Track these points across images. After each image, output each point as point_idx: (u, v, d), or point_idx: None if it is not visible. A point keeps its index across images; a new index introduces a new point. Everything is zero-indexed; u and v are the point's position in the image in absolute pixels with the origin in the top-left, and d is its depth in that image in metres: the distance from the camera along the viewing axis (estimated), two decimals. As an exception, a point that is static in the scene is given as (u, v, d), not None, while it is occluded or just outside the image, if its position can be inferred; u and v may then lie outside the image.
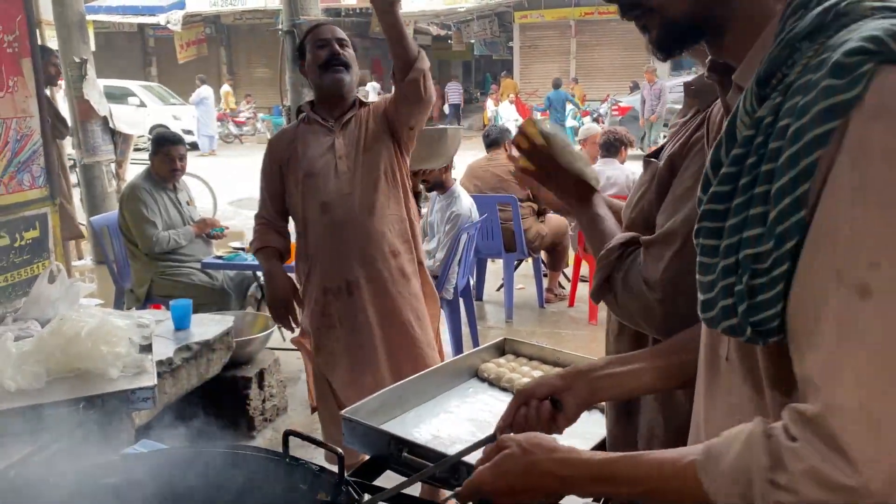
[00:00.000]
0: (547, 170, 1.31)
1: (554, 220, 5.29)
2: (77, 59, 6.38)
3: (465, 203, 4.26)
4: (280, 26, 6.75)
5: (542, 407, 1.13)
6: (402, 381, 1.79)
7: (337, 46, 2.39)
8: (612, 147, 5.11)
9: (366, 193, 2.35)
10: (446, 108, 20.88)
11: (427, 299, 2.50)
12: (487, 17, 21.30)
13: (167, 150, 4.04)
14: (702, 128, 1.15)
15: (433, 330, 2.53)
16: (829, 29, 0.67)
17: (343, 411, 1.59)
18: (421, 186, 4.63)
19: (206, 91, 16.35)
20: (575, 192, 1.32)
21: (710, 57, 0.89)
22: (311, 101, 2.51)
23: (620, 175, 5.04)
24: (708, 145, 1.06)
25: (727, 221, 0.71)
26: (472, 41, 23.22)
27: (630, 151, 5.30)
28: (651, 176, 1.22)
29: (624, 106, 14.00)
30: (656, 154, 1.27)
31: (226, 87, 20.23)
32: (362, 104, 2.47)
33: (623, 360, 1.17)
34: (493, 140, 5.34)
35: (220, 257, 4.00)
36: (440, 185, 4.32)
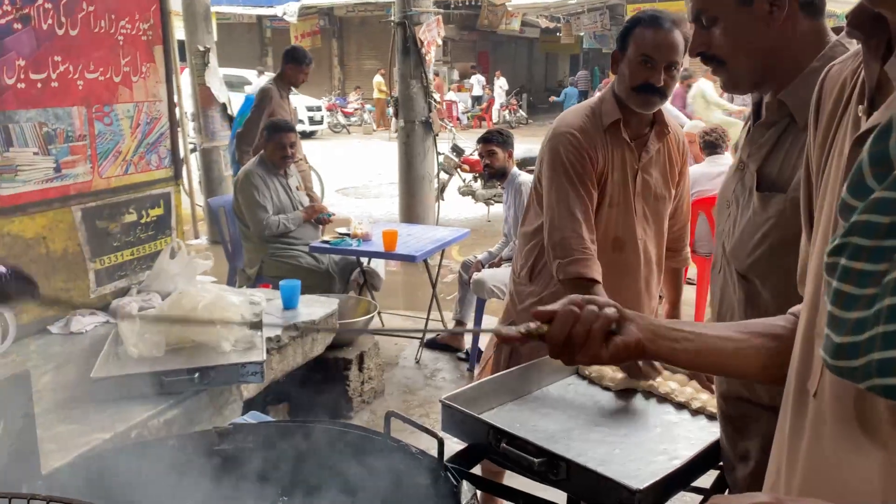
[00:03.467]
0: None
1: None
2: (201, 48, 6.73)
3: (528, 177, 4.20)
4: (392, 18, 6.89)
5: (601, 314, 0.90)
6: (501, 373, 1.79)
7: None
8: (715, 145, 4.92)
9: None
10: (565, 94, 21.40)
11: None
12: (598, 9, 20.84)
13: (279, 137, 4.19)
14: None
15: None
16: None
17: (442, 397, 1.60)
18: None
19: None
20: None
21: (853, 7, 0.69)
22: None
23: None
24: (816, 112, 0.83)
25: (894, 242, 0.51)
26: (582, 34, 22.81)
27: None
28: (778, 211, 1.20)
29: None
30: (768, 185, 1.24)
31: (378, 78, 20.45)
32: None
33: (693, 322, 1.02)
34: None
35: (326, 242, 4.12)
36: (503, 172, 4.32)
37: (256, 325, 2.59)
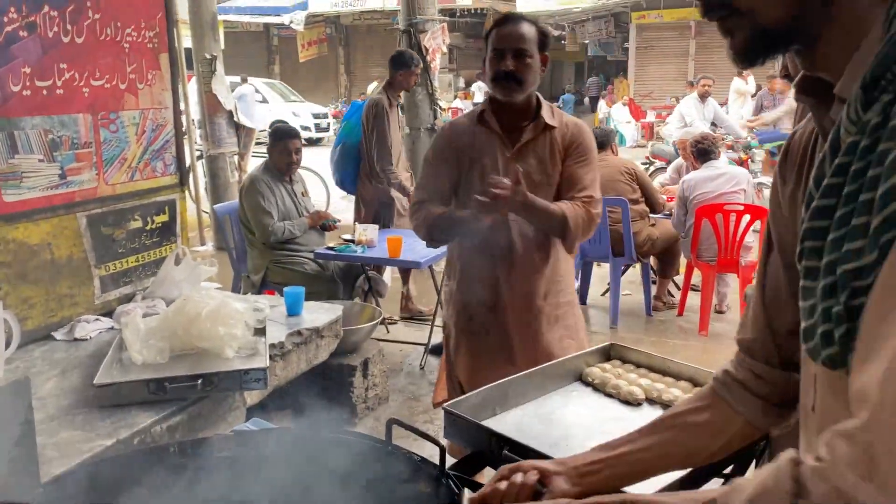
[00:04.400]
0: None
1: (666, 224, 5.11)
2: (208, 56, 6.77)
3: None
4: (397, 25, 6.91)
5: (526, 481, 1.01)
6: (504, 379, 1.78)
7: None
8: (708, 151, 4.91)
9: None
10: (586, 101, 22.67)
11: None
12: (603, 17, 20.89)
13: (284, 143, 4.21)
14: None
15: None
16: None
17: (445, 404, 1.59)
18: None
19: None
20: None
21: (797, 77, 0.81)
22: None
23: (731, 170, 4.89)
24: (782, 174, 0.96)
25: (829, 237, 0.64)
26: (587, 42, 22.85)
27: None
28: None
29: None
30: None
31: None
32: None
33: (610, 446, 1.09)
34: (600, 142, 5.20)
35: (331, 248, 4.12)
36: None
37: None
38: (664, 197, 5.19)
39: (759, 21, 0.74)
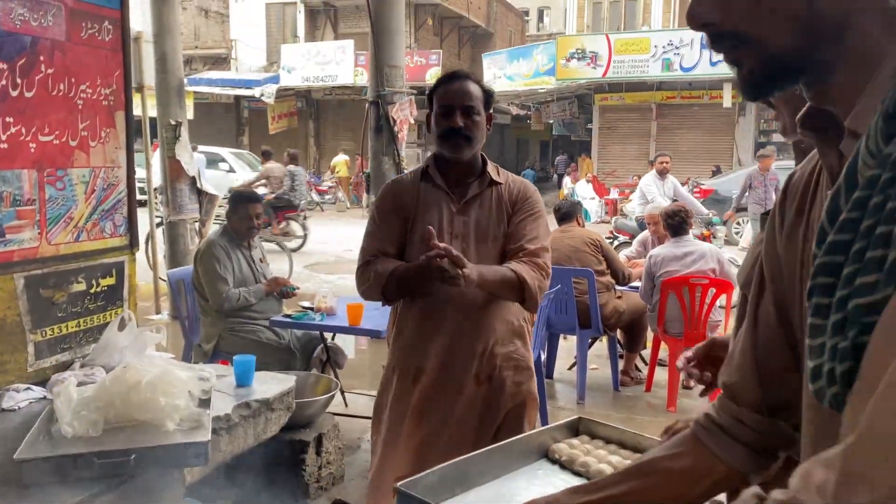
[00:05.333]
0: None
1: (633, 297, 5.07)
2: (172, 122, 6.71)
3: None
4: (366, 96, 6.96)
5: None
6: (464, 457, 1.64)
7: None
8: (679, 227, 4.89)
9: None
10: (554, 178, 23.60)
11: None
12: (568, 98, 21.55)
13: (245, 207, 4.10)
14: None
15: None
16: None
17: (398, 484, 1.45)
18: None
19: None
20: None
21: (800, 113, 0.81)
22: None
23: (699, 248, 4.85)
24: (781, 213, 0.95)
25: (843, 272, 0.60)
26: (551, 121, 23.48)
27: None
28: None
29: (706, 188, 13.72)
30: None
31: (341, 157, 20.80)
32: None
33: (587, 489, 1.08)
34: (566, 213, 5.21)
35: (288, 316, 3.96)
36: None
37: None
38: (630, 270, 5.17)
39: (769, 50, 0.71)
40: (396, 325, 2.36)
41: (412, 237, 2.25)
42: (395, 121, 6.48)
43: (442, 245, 1.99)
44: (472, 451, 1.62)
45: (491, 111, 2.30)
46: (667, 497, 1.02)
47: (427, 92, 2.30)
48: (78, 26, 2.84)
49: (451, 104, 2.19)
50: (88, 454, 2.09)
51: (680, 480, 1.03)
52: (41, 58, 2.70)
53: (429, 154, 2.41)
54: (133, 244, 3.22)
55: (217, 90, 22.68)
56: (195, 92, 21.35)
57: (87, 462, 2.08)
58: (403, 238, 2.27)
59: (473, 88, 2.22)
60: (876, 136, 0.60)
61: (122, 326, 2.92)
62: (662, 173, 8.41)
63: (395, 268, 2.19)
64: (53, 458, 2.09)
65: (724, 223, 10.10)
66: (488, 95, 2.27)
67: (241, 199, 4.19)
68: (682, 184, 9.66)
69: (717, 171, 16.78)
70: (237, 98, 23.87)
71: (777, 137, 19.68)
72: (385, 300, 2.26)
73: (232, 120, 25.19)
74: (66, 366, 2.91)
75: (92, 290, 3.02)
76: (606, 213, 16.37)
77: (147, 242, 7.05)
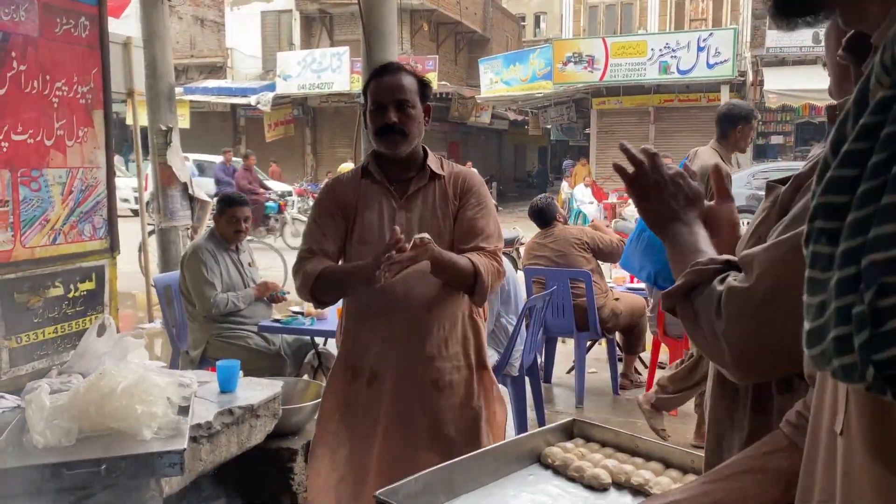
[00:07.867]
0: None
1: (630, 298, 4.96)
2: (163, 128, 6.62)
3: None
4: (360, 100, 6.90)
5: None
6: (451, 462, 1.53)
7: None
8: None
9: None
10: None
11: None
12: (565, 103, 21.50)
13: (233, 210, 4.01)
14: None
15: None
16: None
17: (378, 492, 1.35)
18: None
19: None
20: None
21: (846, 36, 0.79)
22: None
23: None
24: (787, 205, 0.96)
25: (849, 217, 0.52)
26: (549, 126, 23.42)
27: None
28: (773, 201, 1.02)
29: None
30: (784, 181, 1.06)
31: (349, 164, 20.78)
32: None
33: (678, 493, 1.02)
34: (544, 218, 4.95)
35: (277, 321, 3.86)
36: None
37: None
38: (617, 236, 5.00)
39: None
40: (344, 324, 2.27)
41: (352, 236, 2.18)
42: (388, 123, 6.40)
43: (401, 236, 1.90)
44: (441, 459, 1.52)
45: (428, 103, 2.20)
46: (762, 500, 0.95)
47: (363, 90, 2.21)
48: (52, 22, 2.75)
49: (382, 100, 2.11)
50: (57, 464, 1.99)
51: (776, 482, 0.95)
52: (13, 54, 2.61)
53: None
54: (114, 248, 3.13)
55: (213, 99, 22.64)
56: (191, 101, 21.35)
57: (55, 473, 1.97)
58: (344, 236, 2.20)
59: (407, 81, 2.13)
60: (893, 47, 0.50)
61: (101, 332, 2.81)
62: None
63: (324, 268, 2.11)
64: (21, 469, 1.98)
65: None
66: (424, 86, 2.19)
67: (228, 202, 4.08)
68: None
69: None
70: (233, 107, 23.82)
71: (775, 140, 19.66)
72: (316, 301, 2.18)
73: (228, 128, 25.12)
74: (42, 373, 2.81)
75: (70, 295, 2.92)
76: (605, 217, 16.28)
77: (140, 251, 6.95)
